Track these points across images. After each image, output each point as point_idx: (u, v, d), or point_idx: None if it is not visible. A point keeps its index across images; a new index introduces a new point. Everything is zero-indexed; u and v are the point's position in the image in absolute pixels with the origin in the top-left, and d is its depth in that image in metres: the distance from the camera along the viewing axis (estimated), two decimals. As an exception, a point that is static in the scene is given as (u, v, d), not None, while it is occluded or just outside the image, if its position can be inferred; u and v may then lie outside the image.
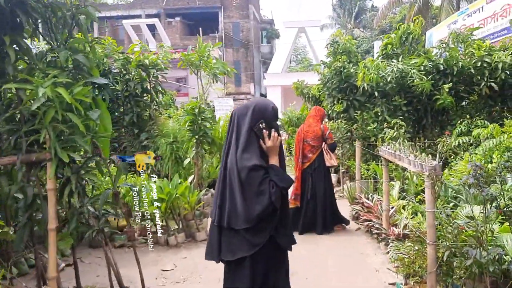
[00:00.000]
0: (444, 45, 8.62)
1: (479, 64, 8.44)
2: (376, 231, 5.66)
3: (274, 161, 2.69)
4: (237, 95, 37.12)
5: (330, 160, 6.33)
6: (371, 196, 6.93)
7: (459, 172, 6.06)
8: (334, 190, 9.44)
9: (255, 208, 2.54)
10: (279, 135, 2.74)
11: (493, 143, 6.19)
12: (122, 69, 8.40)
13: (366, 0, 46.79)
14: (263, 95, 33.65)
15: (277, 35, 41.34)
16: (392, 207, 6.05)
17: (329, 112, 9.45)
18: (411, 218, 5.62)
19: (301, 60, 45.44)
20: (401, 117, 8.32)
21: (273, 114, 2.75)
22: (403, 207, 6.07)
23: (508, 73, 8.37)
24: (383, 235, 5.42)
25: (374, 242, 5.85)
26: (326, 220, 6.47)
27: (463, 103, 9.15)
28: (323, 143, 6.45)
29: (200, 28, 27.19)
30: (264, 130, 2.67)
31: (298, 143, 6.57)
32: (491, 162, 6.05)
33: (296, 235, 6.45)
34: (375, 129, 8.53)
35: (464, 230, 3.85)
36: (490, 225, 3.68)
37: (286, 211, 2.78)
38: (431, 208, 3.68)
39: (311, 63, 38.42)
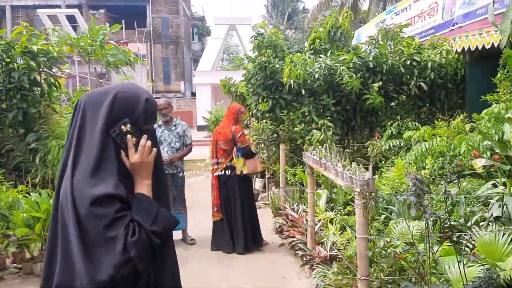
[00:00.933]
0: (374, 41, 8.09)
1: (408, 62, 8.02)
2: (301, 252, 4.85)
3: (143, 187, 1.61)
4: (166, 93, 35.48)
5: (240, 168, 5.42)
6: (297, 206, 6.14)
7: (391, 179, 5.43)
8: (259, 198, 8.63)
9: (102, 269, 1.47)
10: (154, 145, 1.71)
11: (425, 147, 5.64)
12: (4, 56, 6.93)
13: (298, 1, 47.09)
14: (194, 94, 32.34)
15: (208, 32, 40.18)
16: (319, 221, 5.28)
17: (253, 112, 8.59)
18: (340, 234, 4.87)
19: (233, 59, 44.66)
20: (328, 117, 7.66)
21: (146, 111, 1.65)
22: (331, 220, 5.33)
23: (437, 72, 8.04)
24: (308, 257, 4.61)
25: (299, 261, 5.03)
26: (247, 237, 5.55)
27: (392, 103, 8.72)
28: (235, 147, 5.54)
29: (124, 21, 25.37)
30: (128, 136, 1.63)
31: (212, 146, 5.61)
32: (424, 168, 5.49)
33: (208, 253, 5.81)
34: (302, 131, 7.81)
35: (402, 259, 3.10)
36: (434, 255, 2.95)
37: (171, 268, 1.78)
38: (362, 234, 2.87)
39: (244, 61, 37.72)
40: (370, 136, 8.20)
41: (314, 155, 4.30)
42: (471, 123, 5.01)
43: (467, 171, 5.00)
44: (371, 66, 7.86)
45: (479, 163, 4.49)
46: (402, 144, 6.54)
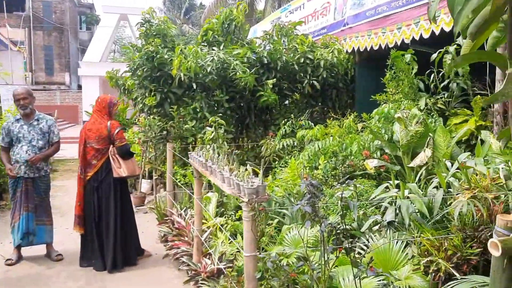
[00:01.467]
0: (268, 37, 7.82)
1: (302, 60, 7.91)
2: (186, 266, 4.28)
3: None
4: (49, 85, 32.22)
5: (118, 169, 4.66)
6: (184, 212, 5.56)
7: (285, 180, 5.12)
8: (145, 201, 7.86)
9: None
10: None
11: (318, 146, 5.44)
12: None
13: (195, -4, 46.20)
14: (81, 87, 29.73)
15: (97, 21, 37.38)
16: (209, 228, 4.78)
17: (139, 106, 7.79)
18: (230, 243, 4.42)
19: (125, 52, 42.23)
20: (220, 114, 7.20)
21: None
22: (221, 227, 4.85)
23: (329, 72, 8.04)
24: (193, 271, 4.06)
25: (184, 276, 4.46)
26: (119, 251, 4.78)
27: (286, 101, 8.57)
28: (111, 146, 4.77)
29: (-5, 1, 22.27)
30: None
31: (79, 147, 4.75)
32: (317, 168, 5.29)
33: (76, 271, 4.63)
34: (193, 128, 7.23)
35: (295, 277, 2.71)
36: (329, 270, 2.60)
37: None
38: (250, 251, 2.41)
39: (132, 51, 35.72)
40: (264, 134, 7.93)
41: (200, 156, 3.76)
42: (363, 123, 4.90)
43: (358, 171, 4.88)
44: (266, 62, 7.57)
45: (371, 164, 4.36)
46: (295, 144, 6.32)
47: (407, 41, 6.83)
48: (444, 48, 5.47)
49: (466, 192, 2.90)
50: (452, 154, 4.53)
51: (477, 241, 2.76)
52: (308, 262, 2.66)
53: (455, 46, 5.36)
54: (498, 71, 5.32)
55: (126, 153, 4.78)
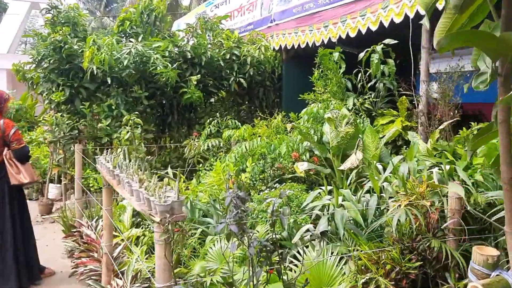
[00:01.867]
0: (192, 30, 7.33)
1: (228, 56, 7.53)
2: (94, 286, 3.69)
3: None
4: None
5: (18, 176, 3.95)
6: (96, 222, 4.92)
7: (210, 185, 4.71)
8: (53, 209, 7.02)
9: None
10: None
11: (245, 147, 5.09)
12: None
13: (116, -11, 43.98)
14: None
15: (5, 8, 34.05)
16: (123, 241, 4.21)
17: (45, 102, 6.91)
18: (147, 259, 3.91)
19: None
20: (140, 112, 6.61)
21: None
22: (137, 239, 4.32)
23: (256, 69, 7.75)
24: (102, 295, 3.50)
25: (93, 298, 3.86)
26: (22, 268, 4.09)
27: (212, 99, 8.14)
28: (5, 148, 4.04)
29: None
30: None
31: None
32: (244, 171, 4.93)
33: None
34: (109, 127, 6.54)
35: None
36: (259, 297, 2.24)
37: None
38: (164, 282, 1.96)
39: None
40: (188, 134, 7.45)
41: (108, 161, 3.21)
42: (292, 123, 4.63)
43: (288, 174, 4.60)
44: (189, 56, 7.08)
45: (301, 167, 4.08)
46: (221, 144, 5.93)
47: (334, 39, 6.72)
48: (372, 47, 5.38)
49: (402, 199, 2.69)
50: (381, 155, 4.40)
51: (415, 252, 2.56)
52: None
53: (381, 45, 5.29)
54: (422, 71, 5.35)
55: (24, 157, 4.07)
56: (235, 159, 5.01)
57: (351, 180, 3.86)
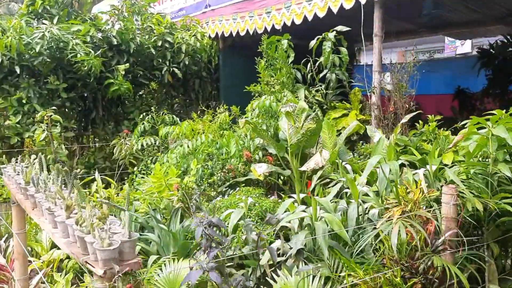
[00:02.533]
0: (117, 12, 6.45)
1: (160, 43, 6.76)
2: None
3: None
4: None
5: None
6: (6, 241, 4.02)
7: (149, 192, 4.02)
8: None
9: None
10: None
11: (188, 146, 4.45)
12: None
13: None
14: None
15: None
16: (45, 265, 3.41)
17: None
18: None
19: None
20: (54, 107, 5.64)
21: None
22: (60, 263, 3.53)
23: (191, 58, 7.06)
24: None
25: None
26: None
27: (141, 91, 7.32)
28: None
29: None
30: None
31: None
32: (187, 173, 4.29)
33: None
34: (19, 125, 5.51)
35: None
36: None
37: None
38: None
39: None
40: (116, 131, 6.59)
41: (19, 172, 2.42)
42: (245, 119, 4.06)
43: (239, 177, 4.05)
44: (115, 43, 6.21)
45: (259, 170, 3.54)
46: (157, 143, 5.21)
47: (278, 26, 6.23)
48: (323, 34, 4.97)
49: (395, 209, 2.27)
50: (339, 153, 4.00)
51: (416, 273, 2.15)
52: None
53: (334, 33, 4.89)
54: (375, 61, 5.05)
55: None
56: (176, 160, 4.35)
57: (315, 184, 3.40)
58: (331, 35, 4.82)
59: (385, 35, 5.55)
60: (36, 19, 6.12)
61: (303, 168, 3.53)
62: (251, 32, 6.72)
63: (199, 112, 7.56)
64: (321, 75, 5.11)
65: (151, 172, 4.79)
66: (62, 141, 4.67)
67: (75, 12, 6.52)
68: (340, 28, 4.85)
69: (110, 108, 6.72)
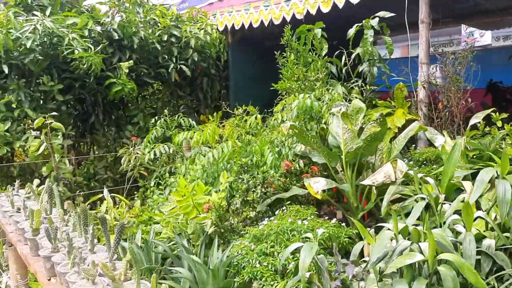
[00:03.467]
0: (118, 3, 5.70)
1: (165, 38, 6.03)
2: None
3: None
4: None
5: None
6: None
7: (172, 214, 3.32)
8: None
9: None
10: None
11: (213, 156, 3.76)
12: None
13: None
14: None
15: None
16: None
17: None
18: None
19: None
20: (53, 113, 4.90)
21: None
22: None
23: (200, 54, 6.35)
24: None
25: None
26: None
27: (145, 92, 6.59)
28: None
29: None
30: None
31: None
32: (217, 190, 3.58)
33: None
34: (8, 133, 4.75)
35: None
36: None
37: None
38: None
39: None
40: (118, 137, 5.87)
41: (19, 209, 1.71)
42: (290, 123, 3.36)
43: (280, 191, 3.36)
44: (117, 37, 5.48)
45: (315, 186, 2.85)
46: (172, 151, 4.50)
47: (299, 16, 5.57)
48: (364, 21, 4.30)
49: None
50: None
51: None
52: None
53: (376, 19, 4.23)
54: (422, 51, 4.40)
55: None
56: (203, 172, 3.65)
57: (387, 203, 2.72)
58: (374, 21, 4.15)
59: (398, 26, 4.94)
60: (25, 11, 5.35)
61: (366, 182, 2.85)
62: (266, 23, 6.04)
63: (207, 114, 6.91)
64: (360, 68, 4.44)
65: (167, 186, 4.09)
66: (65, 154, 3.92)
67: (69, 3, 5.76)
68: (382, 14, 4.19)
69: (111, 112, 5.99)
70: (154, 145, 4.36)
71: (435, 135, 3.57)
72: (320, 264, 2.09)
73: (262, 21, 6.10)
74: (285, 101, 4.32)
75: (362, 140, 2.94)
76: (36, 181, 2.40)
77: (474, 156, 3.32)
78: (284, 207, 3.10)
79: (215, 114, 6.54)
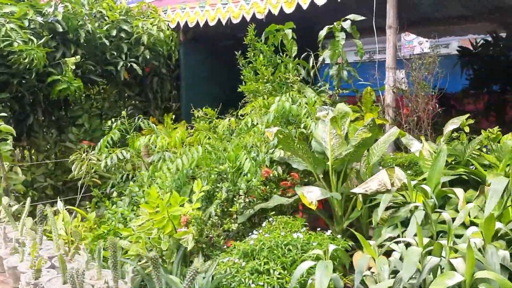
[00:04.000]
0: (62, -8, 5.15)
1: (114, 33, 5.55)
2: None
3: None
4: None
5: None
6: None
7: (145, 229, 2.98)
8: None
9: None
10: None
11: (182, 161, 3.46)
12: None
13: None
14: None
15: None
16: None
17: None
18: None
19: None
20: (4, 114, 4.31)
21: None
22: None
23: (152, 52, 5.93)
24: None
25: None
26: None
27: (89, 91, 6.04)
28: None
29: None
30: None
31: None
32: (190, 201, 3.28)
33: None
34: None
35: None
36: None
37: None
38: None
39: None
40: (60, 140, 5.30)
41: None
42: (277, 128, 3.13)
43: (259, 200, 3.14)
44: (61, 30, 4.93)
45: (309, 196, 2.67)
46: (129, 156, 4.09)
47: (260, 16, 5.39)
48: (336, 23, 4.20)
49: None
50: (372, 169, 3.24)
51: None
52: None
53: (348, 22, 4.15)
54: (390, 56, 4.41)
55: None
56: (172, 180, 3.33)
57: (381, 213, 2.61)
58: (346, 24, 4.07)
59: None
60: (-51, -5, 4.63)
61: (358, 190, 2.72)
62: (223, 22, 5.80)
63: (157, 115, 6.50)
64: (331, 71, 4.34)
65: (126, 195, 3.70)
66: (16, 162, 3.36)
67: (3, -10, 5.09)
68: (353, 17, 4.12)
69: (51, 112, 5.39)
70: (111, 150, 3.93)
71: (411, 141, 3.55)
72: (335, 285, 1.90)
73: (219, 20, 5.84)
74: (254, 104, 4.12)
75: (353, 146, 2.80)
76: (6, 200, 1.98)
77: (453, 162, 3.34)
78: (270, 218, 2.88)
79: (165, 116, 6.19)
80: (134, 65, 5.64)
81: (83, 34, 5.09)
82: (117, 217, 3.46)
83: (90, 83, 5.62)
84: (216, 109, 4.87)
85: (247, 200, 2.92)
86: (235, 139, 3.65)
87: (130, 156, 4.08)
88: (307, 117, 3.38)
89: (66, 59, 4.84)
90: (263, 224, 2.81)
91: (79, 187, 4.00)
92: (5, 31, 4.31)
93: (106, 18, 5.63)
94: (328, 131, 2.93)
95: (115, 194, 3.78)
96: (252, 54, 4.59)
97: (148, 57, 5.77)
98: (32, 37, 4.41)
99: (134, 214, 3.34)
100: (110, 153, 3.87)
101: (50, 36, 4.86)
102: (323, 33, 4.18)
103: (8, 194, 2.95)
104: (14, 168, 3.20)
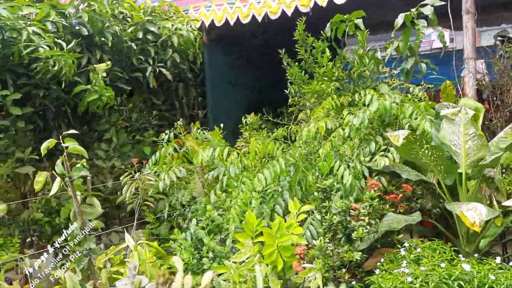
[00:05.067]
0: (84, -9, 4.54)
1: (140, 35, 4.97)
2: None
3: None
4: None
5: None
6: None
7: (244, 267, 2.40)
8: None
9: None
10: None
11: (265, 178, 2.91)
12: None
13: None
14: None
15: None
16: None
17: None
18: None
19: None
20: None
21: None
22: None
23: (180, 54, 5.37)
24: None
25: None
26: None
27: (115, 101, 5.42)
28: None
29: None
30: None
31: None
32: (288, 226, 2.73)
33: None
34: None
35: None
36: None
37: None
38: None
39: None
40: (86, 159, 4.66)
41: None
42: (408, 132, 2.59)
43: (374, 219, 2.60)
44: (86, 33, 4.33)
45: (474, 215, 2.11)
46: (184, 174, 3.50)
47: (304, 9, 4.89)
48: (415, 8, 3.70)
49: None
50: None
51: None
52: None
53: (428, 7, 3.66)
54: (469, 45, 3.94)
55: None
56: (257, 199, 2.77)
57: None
58: (427, 9, 3.57)
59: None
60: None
61: (508, 203, 2.22)
62: (259, 19, 5.30)
63: (184, 125, 5.93)
64: (408, 65, 3.85)
65: (207, 221, 3.11)
66: (89, 192, 2.72)
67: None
68: (432, 1, 3.63)
69: (75, 127, 4.75)
70: (168, 168, 3.34)
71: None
72: None
73: (253, 16, 5.32)
74: (324, 105, 3.60)
75: (501, 149, 2.30)
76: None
77: None
78: (404, 243, 2.34)
79: (191, 124, 5.62)
80: (164, 71, 5.06)
81: (110, 37, 4.50)
82: (189, 249, 2.88)
83: (118, 92, 5.01)
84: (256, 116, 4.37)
85: (372, 222, 2.37)
86: (321, 147, 3.11)
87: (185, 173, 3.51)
88: (415, 117, 2.87)
89: (95, 65, 4.23)
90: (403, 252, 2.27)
91: (133, 212, 3.40)
92: (26, 35, 3.69)
93: (128, 19, 5.04)
94: (462, 132, 2.42)
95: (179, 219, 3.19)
96: (304, 50, 4.08)
97: (178, 61, 5.19)
98: (60, 41, 3.80)
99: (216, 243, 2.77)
100: (168, 170, 3.28)
101: (78, 40, 4.25)
102: (399, 21, 3.67)
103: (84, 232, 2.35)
104: (88, 198, 2.60)
